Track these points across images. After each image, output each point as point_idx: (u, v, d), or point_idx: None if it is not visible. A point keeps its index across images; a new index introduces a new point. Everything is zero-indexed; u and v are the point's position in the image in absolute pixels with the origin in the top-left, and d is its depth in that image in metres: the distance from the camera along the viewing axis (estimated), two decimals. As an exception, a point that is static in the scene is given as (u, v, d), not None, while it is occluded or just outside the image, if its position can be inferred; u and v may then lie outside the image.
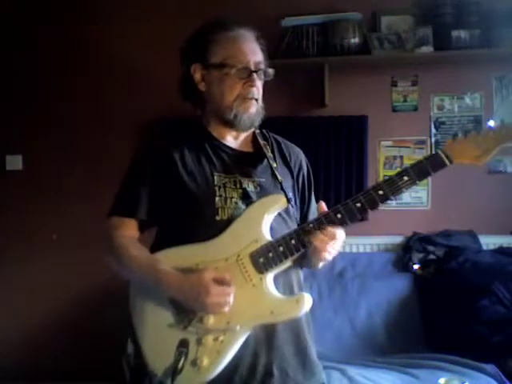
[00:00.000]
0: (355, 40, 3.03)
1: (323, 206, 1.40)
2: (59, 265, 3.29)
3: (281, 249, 1.37)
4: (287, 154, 1.61)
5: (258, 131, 1.60)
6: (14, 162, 3.38)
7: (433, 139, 3.21)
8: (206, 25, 1.54)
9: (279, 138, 1.65)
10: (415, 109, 3.22)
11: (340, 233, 1.39)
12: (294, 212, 1.55)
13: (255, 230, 1.40)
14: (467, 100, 3.19)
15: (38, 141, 3.35)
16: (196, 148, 1.51)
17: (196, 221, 1.43)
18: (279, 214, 1.46)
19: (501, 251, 2.99)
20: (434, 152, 1.37)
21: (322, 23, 3.05)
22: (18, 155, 3.38)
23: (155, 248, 1.48)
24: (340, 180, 3.17)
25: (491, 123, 1.31)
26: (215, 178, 1.47)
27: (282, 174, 1.55)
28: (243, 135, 1.58)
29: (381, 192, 1.34)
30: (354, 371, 2.38)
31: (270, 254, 1.37)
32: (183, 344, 1.36)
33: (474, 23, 3.02)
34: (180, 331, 1.38)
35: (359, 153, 3.17)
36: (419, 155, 3.20)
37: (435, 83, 3.19)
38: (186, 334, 1.37)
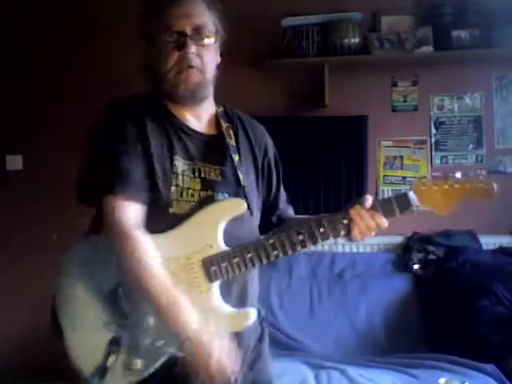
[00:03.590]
0: (355, 40, 3.03)
1: (368, 201, 1.31)
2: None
3: (235, 260, 1.30)
4: (252, 137, 1.48)
5: (221, 110, 1.47)
6: (14, 162, 3.38)
7: (433, 139, 3.20)
8: None
9: (243, 117, 1.51)
10: (415, 109, 3.22)
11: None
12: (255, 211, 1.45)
13: (210, 234, 1.31)
14: (467, 100, 3.19)
15: (38, 141, 3.35)
16: (156, 126, 1.35)
17: (148, 209, 1.30)
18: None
19: (501, 251, 2.99)
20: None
21: (321, 23, 3.05)
22: (18, 155, 3.38)
23: (97, 228, 1.38)
24: (340, 180, 3.16)
25: (458, 175, 1.32)
26: (174, 164, 1.33)
27: (245, 163, 1.43)
28: (205, 115, 1.43)
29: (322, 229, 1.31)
30: (353, 371, 2.38)
31: (224, 264, 1.29)
32: (115, 342, 1.27)
33: (474, 23, 3.01)
34: (113, 329, 1.30)
35: (359, 153, 3.17)
36: (419, 155, 3.20)
37: (435, 83, 3.19)
38: (118, 332, 1.29)
